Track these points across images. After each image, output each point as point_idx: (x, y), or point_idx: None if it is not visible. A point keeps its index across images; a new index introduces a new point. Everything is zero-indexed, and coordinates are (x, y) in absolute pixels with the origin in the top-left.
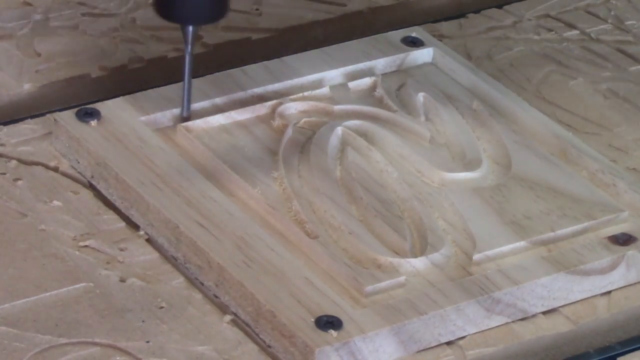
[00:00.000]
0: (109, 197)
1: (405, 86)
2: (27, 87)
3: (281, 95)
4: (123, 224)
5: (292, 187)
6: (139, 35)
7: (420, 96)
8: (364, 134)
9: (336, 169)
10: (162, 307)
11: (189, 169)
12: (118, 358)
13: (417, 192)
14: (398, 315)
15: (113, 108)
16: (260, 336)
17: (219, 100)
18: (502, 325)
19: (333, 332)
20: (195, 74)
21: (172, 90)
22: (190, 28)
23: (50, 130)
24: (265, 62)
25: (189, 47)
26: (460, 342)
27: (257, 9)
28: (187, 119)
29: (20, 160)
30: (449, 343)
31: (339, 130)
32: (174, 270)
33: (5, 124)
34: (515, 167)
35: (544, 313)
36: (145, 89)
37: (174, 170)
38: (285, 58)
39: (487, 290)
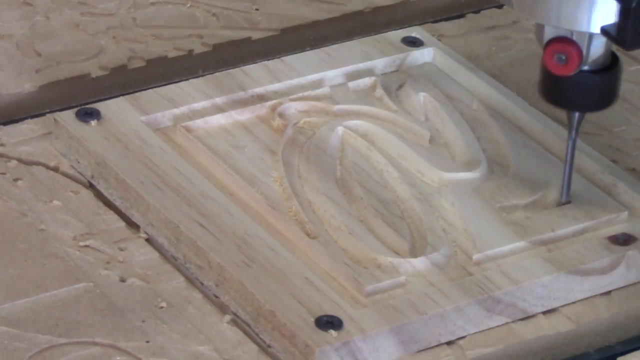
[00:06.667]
0: (109, 197)
1: (405, 86)
2: (27, 87)
3: (281, 95)
4: (123, 224)
5: (292, 187)
6: (139, 35)
7: (420, 96)
8: (364, 134)
9: (336, 169)
10: (162, 307)
11: (189, 169)
12: (118, 358)
13: (417, 192)
14: (398, 315)
15: (113, 108)
16: (260, 336)
17: (219, 100)
18: (502, 325)
19: (333, 332)
20: (195, 74)
21: (172, 90)
22: (577, 114)
23: (50, 130)
24: (265, 62)
25: (573, 133)
26: (460, 342)
27: (257, 9)
28: (566, 203)
29: (20, 160)
30: (449, 343)
31: (339, 130)
32: (174, 270)
33: (5, 124)
34: (515, 167)
35: (544, 313)
36: (145, 89)
37: (174, 170)
38: (285, 58)
39: (487, 290)
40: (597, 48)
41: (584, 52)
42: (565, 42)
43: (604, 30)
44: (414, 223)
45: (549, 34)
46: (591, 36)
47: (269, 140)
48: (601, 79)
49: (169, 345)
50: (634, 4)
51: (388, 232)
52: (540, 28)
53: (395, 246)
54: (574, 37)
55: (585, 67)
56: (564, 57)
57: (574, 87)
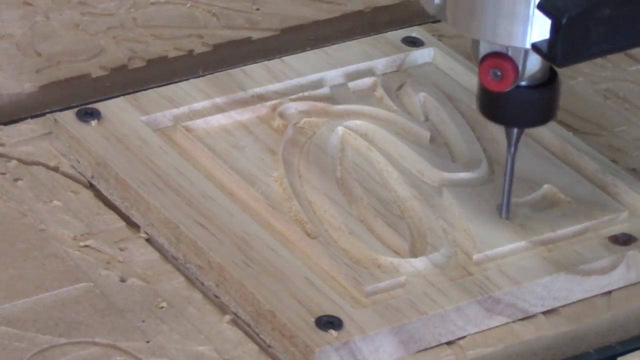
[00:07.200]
0: (109, 197)
1: (405, 86)
2: (27, 87)
3: (281, 95)
4: (123, 224)
5: (292, 187)
6: (139, 35)
7: (420, 96)
8: (364, 134)
9: (336, 169)
10: (162, 307)
11: (189, 169)
12: (118, 358)
13: (417, 192)
14: (398, 315)
15: (113, 108)
16: (260, 336)
17: (219, 100)
18: (502, 325)
19: (333, 332)
20: (195, 74)
21: (172, 90)
22: (515, 130)
23: (50, 130)
24: (265, 62)
25: (512, 148)
26: (460, 342)
27: (257, 9)
28: (506, 219)
29: (20, 160)
30: (449, 343)
31: (339, 130)
32: (174, 270)
33: (5, 124)
34: (515, 167)
35: (544, 313)
36: (145, 89)
37: (174, 170)
38: (285, 58)
39: (487, 290)
40: (533, 63)
41: (520, 67)
42: (500, 58)
43: (535, 47)
44: (414, 223)
45: (484, 49)
46: (527, 52)
47: (269, 140)
48: (539, 95)
49: (169, 345)
50: (564, 20)
51: (388, 232)
52: (475, 44)
53: (395, 246)
54: (510, 53)
55: (523, 83)
56: (499, 73)
57: (510, 102)
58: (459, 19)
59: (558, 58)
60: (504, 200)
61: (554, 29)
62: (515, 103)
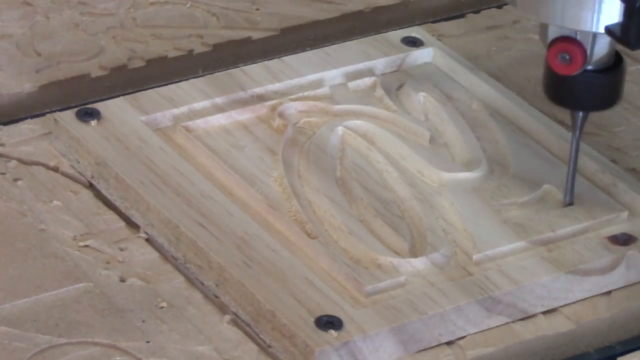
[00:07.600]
0: (109, 197)
1: (405, 86)
2: (27, 87)
3: (281, 95)
4: (123, 224)
5: (292, 187)
6: (139, 35)
7: (420, 96)
8: (364, 134)
9: (336, 169)
10: (162, 307)
11: (189, 169)
12: (118, 358)
13: (417, 192)
14: (398, 315)
15: (113, 108)
16: (260, 336)
17: (219, 100)
18: (502, 325)
19: (333, 332)
20: (195, 74)
21: (172, 90)
22: (581, 114)
23: (50, 130)
24: (265, 62)
25: (577, 133)
26: (460, 342)
27: (257, 9)
28: (570, 204)
29: (20, 160)
30: (449, 343)
31: (339, 130)
32: (174, 270)
33: (5, 124)
34: (515, 167)
35: (544, 313)
36: (145, 89)
37: (174, 170)
38: (285, 58)
39: (487, 290)
40: (601, 48)
41: (588, 51)
42: (569, 42)
43: (609, 30)
44: (414, 223)
45: (552, 33)
46: (595, 36)
47: (269, 140)
48: (605, 78)
49: (169, 345)
50: (638, 4)
51: (388, 232)
52: (544, 27)
53: (395, 246)
54: (578, 37)
55: (589, 67)
56: (568, 57)
57: (577, 86)
58: (528, 3)
59: (632, 41)
60: (568, 186)
61: (628, 13)
62: (582, 87)
